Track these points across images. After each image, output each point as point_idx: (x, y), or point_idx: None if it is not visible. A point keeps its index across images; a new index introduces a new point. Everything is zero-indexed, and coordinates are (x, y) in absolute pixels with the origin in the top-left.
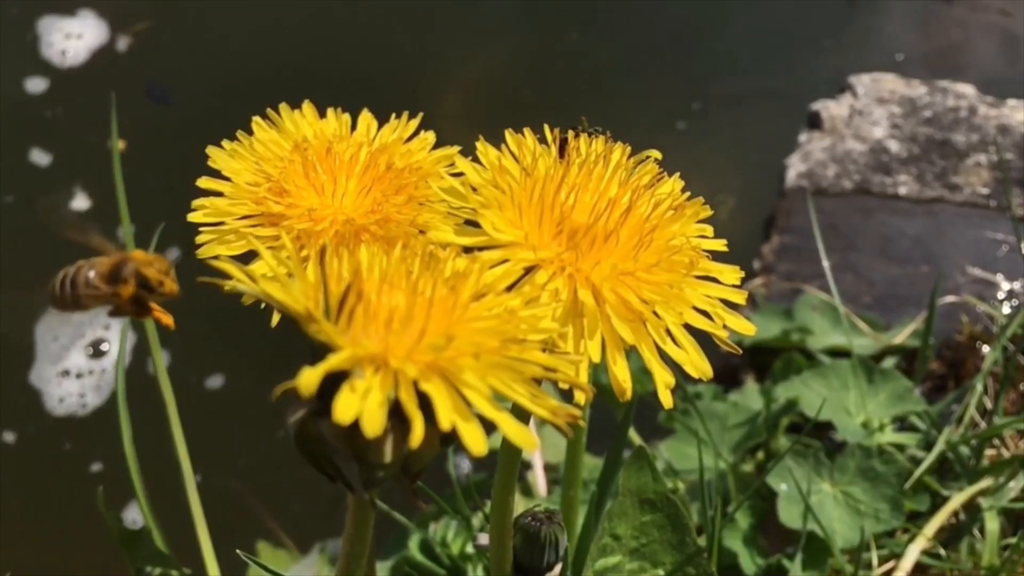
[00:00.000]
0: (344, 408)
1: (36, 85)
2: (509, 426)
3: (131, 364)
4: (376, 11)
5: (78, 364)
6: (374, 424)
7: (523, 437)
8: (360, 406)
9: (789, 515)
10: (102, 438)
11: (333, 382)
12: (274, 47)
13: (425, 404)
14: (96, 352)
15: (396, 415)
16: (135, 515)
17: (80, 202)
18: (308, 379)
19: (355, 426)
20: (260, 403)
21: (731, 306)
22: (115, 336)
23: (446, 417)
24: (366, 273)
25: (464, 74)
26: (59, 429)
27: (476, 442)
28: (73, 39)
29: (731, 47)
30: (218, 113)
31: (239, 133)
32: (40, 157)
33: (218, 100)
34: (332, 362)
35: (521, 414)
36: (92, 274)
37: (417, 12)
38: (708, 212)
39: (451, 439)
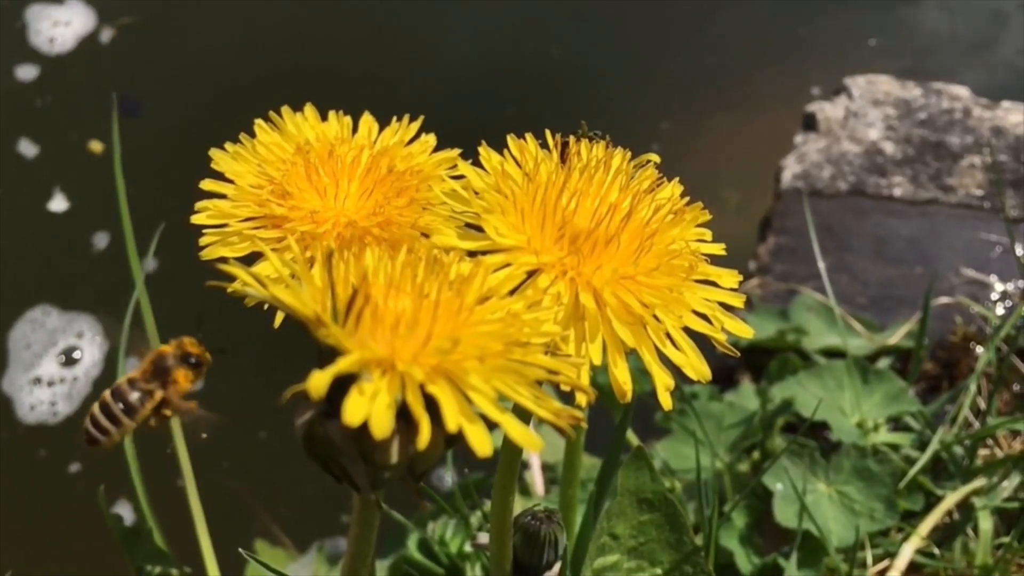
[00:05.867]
0: (353, 410)
1: (26, 73)
2: (513, 428)
3: (104, 371)
4: (357, 21)
5: (50, 372)
6: (382, 426)
7: (527, 438)
8: (368, 408)
9: (785, 514)
10: (78, 445)
11: (339, 385)
12: (256, 49)
13: (430, 406)
14: (68, 360)
15: (402, 417)
16: (123, 514)
17: (58, 203)
18: (318, 382)
19: (362, 427)
20: (246, 404)
21: (729, 309)
22: (87, 344)
23: (453, 419)
24: (372, 277)
25: (445, 84)
26: (30, 437)
27: (482, 444)
28: (61, 27)
29: (724, 48)
30: (196, 115)
31: (242, 136)
32: (28, 148)
33: (195, 102)
34: (341, 365)
35: (521, 415)
36: (136, 393)
37: (404, 20)
38: (707, 216)
39: (454, 440)
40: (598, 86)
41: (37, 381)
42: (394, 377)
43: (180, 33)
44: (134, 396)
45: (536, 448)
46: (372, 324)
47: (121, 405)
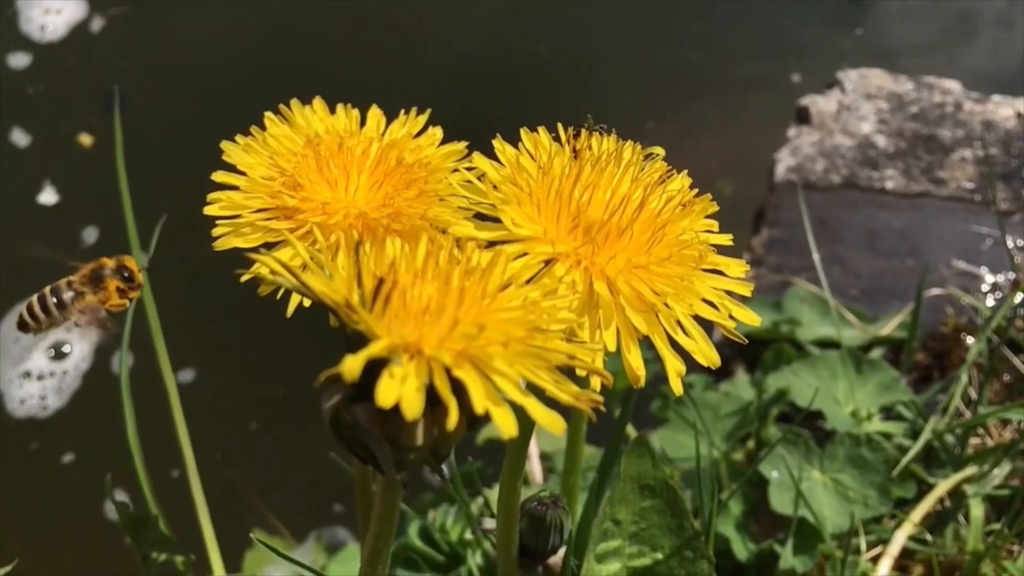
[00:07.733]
0: (385, 393)
1: (19, 60)
2: (537, 410)
3: (93, 365)
4: (347, 19)
5: (39, 366)
6: (413, 408)
7: (550, 420)
8: (400, 391)
9: (780, 502)
10: (70, 437)
11: (366, 370)
12: (246, 43)
13: (454, 389)
14: (58, 354)
15: (428, 400)
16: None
17: (48, 196)
18: (351, 365)
19: (388, 410)
20: (236, 397)
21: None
22: (77, 339)
23: (480, 402)
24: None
25: (435, 82)
26: (21, 431)
27: (508, 425)
28: (52, 14)
29: (711, 43)
30: (185, 107)
31: (252, 128)
32: (20, 138)
33: (185, 94)
34: (372, 349)
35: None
36: (70, 292)
37: (393, 19)
38: (715, 208)
39: (475, 423)
40: (588, 83)
41: (27, 375)
42: (421, 361)
43: (171, 24)
44: (68, 295)
45: (559, 430)
46: (399, 310)
47: (55, 300)
